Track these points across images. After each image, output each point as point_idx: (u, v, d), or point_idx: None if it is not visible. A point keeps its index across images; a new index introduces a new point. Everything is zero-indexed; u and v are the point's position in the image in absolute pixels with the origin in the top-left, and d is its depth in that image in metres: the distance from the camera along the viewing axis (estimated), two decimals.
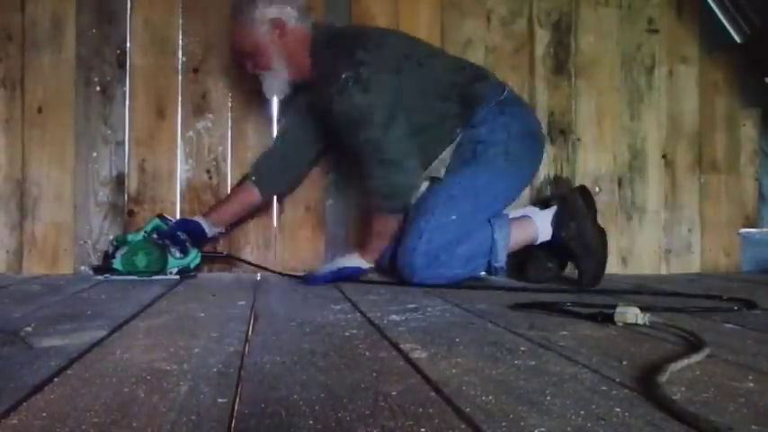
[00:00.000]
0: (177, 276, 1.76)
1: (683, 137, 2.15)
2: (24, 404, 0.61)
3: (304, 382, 0.70)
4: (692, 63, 2.15)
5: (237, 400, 0.63)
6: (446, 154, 1.76)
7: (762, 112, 2.19)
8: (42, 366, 0.75)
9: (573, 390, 0.67)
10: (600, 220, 2.08)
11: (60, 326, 1.03)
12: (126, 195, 1.94)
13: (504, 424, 0.56)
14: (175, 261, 1.77)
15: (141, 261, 1.74)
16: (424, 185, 1.79)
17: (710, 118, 2.16)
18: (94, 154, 1.93)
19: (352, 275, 1.71)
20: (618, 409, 0.60)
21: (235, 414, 0.59)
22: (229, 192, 1.93)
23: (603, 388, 0.68)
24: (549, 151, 2.09)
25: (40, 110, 1.91)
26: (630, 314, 1.05)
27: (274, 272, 1.90)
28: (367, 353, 0.85)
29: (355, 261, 1.74)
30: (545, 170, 2.08)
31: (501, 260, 1.70)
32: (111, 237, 1.84)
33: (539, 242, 1.75)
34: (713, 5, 2.15)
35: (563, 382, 0.70)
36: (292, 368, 0.76)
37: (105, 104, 1.94)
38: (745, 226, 2.18)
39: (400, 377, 0.73)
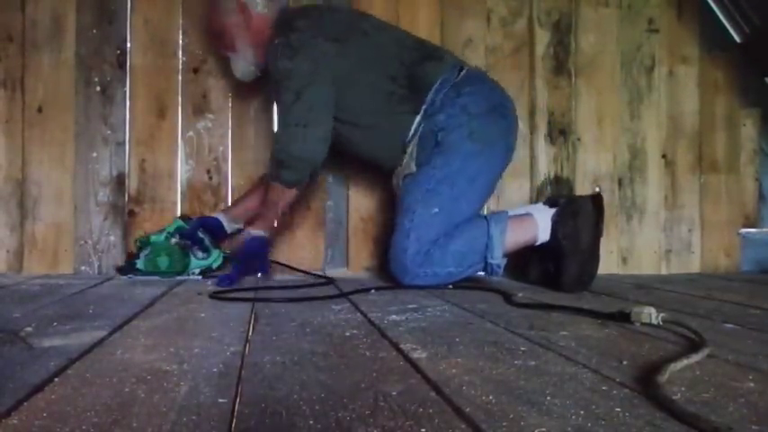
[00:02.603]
0: (200, 277, 1.77)
1: (683, 137, 2.15)
2: (25, 404, 0.61)
3: (304, 382, 0.70)
4: (692, 63, 2.15)
5: (238, 400, 0.63)
6: (412, 148, 1.68)
7: (762, 111, 2.19)
8: (42, 366, 0.75)
9: (573, 390, 0.67)
10: None
11: (61, 326, 1.03)
12: (126, 195, 1.94)
13: (504, 424, 0.56)
14: (198, 262, 1.78)
15: (163, 262, 1.75)
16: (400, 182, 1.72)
17: (710, 118, 2.16)
18: (95, 154, 1.93)
19: (257, 253, 1.65)
20: (618, 409, 0.61)
21: (235, 414, 0.59)
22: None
23: (603, 388, 0.68)
24: (549, 151, 2.09)
25: (40, 110, 1.91)
26: (645, 314, 1.05)
27: (304, 272, 1.87)
28: (367, 353, 0.85)
29: (253, 234, 1.66)
30: (545, 170, 2.08)
31: (497, 257, 1.62)
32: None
33: (539, 243, 1.67)
34: (713, 5, 2.15)
35: (563, 382, 0.70)
36: (292, 368, 0.76)
37: (105, 104, 1.94)
38: (745, 226, 2.18)
39: (400, 377, 0.73)
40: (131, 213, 1.92)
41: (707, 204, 2.16)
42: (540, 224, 1.67)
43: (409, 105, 1.67)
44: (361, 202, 2.01)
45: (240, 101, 1.98)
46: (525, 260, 1.78)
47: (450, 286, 1.60)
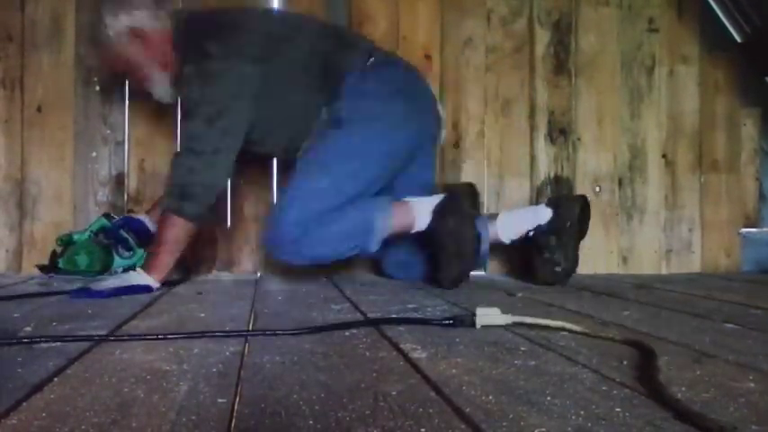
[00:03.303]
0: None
1: (683, 136, 2.15)
2: (24, 404, 0.61)
3: (304, 382, 0.70)
4: (693, 63, 2.15)
5: (237, 400, 0.63)
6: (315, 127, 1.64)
7: (762, 111, 2.19)
8: (42, 366, 0.75)
9: (573, 390, 0.67)
10: (600, 220, 2.09)
11: (60, 326, 1.03)
12: (126, 195, 1.93)
13: (504, 424, 0.56)
14: (121, 261, 1.76)
15: (83, 261, 1.73)
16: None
17: (711, 118, 2.16)
18: (94, 154, 1.93)
19: (137, 293, 1.44)
20: (618, 409, 0.60)
21: (235, 414, 0.59)
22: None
23: (603, 388, 0.68)
24: (549, 151, 2.09)
25: (39, 109, 1.91)
26: (491, 316, 1.03)
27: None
28: (367, 353, 0.85)
29: (144, 279, 1.49)
30: (545, 170, 2.08)
31: (376, 243, 1.56)
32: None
33: (416, 230, 1.62)
34: (713, 5, 2.15)
35: (563, 382, 0.70)
36: (292, 368, 0.76)
37: (105, 104, 1.94)
38: (745, 226, 2.18)
39: (400, 377, 0.73)
40: (131, 213, 1.92)
41: (707, 204, 2.16)
42: (418, 210, 1.61)
43: (317, 92, 1.63)
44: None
45: None
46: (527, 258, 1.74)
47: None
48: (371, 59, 1.65)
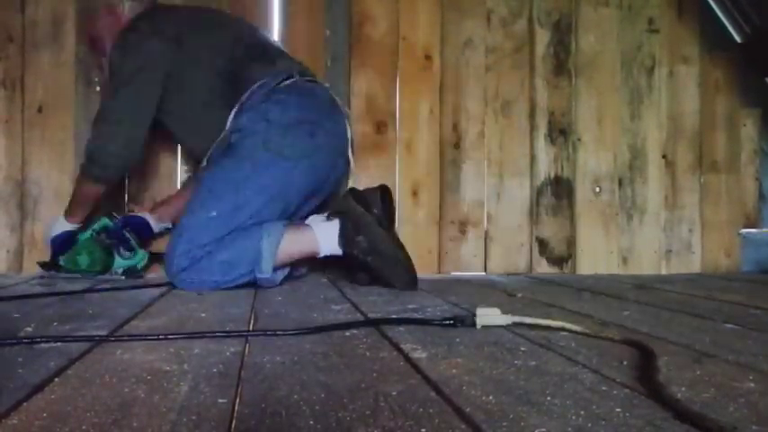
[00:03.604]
0: (123, 277, 1.74)
1: (683, 137, 2.15)
2: (25, 404, 0.61)
3: (304, 383, 0.70)
4: (693, 63, 2.15)
5: (238, 400, 0.63)
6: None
7: (762, 111, 2.19)
8: (42, 366, 0.75)
9: (573, 390, 0.67)
10: (600, 220, 2.10)
11: (61, 326, 1.03)
12: (126, 195, 1.93)
13: (504, 424, 0.56)
14: (123, 261, 1.75)
15: (84, 261, 1.73)
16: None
17: (711, 118, 2.16)
18: None
19: (64, 241, 1.73)
20: (618, 410, 0.60)
21: (235, 414, 0.59)
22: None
23: (603, 388, 0.68)
24: (549, 151, 2.09)
25: (40, 110, 1.91)
26: (491, 317, 1.03)
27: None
28: (367, 353, 0.85)
29: (61, 225, 1.74)
30: (545, 170, 2.08)
31: (266, 270, 1.52)
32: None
33: (323, 255, 1.60)
34: (713, 5, 2.15)
35: (563, 382, 0.70)
36: (292, 368, 0.76)
37: None
38: (745, 226, 2.18)
39: (400, 377, 0.73)
40: (131, 212, 1.92)
41: (707, 204, 2.16)
42: (320, 237, 1.58)
43: (225, 100, 1.62)
44: None
45: None
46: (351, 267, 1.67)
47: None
48: (289, 80, 1.62)
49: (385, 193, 1.62)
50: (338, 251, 1.59)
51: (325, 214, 1.65)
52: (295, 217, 1.67)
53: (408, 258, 1.58)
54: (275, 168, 1.57)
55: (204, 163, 1.67)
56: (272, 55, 1.70)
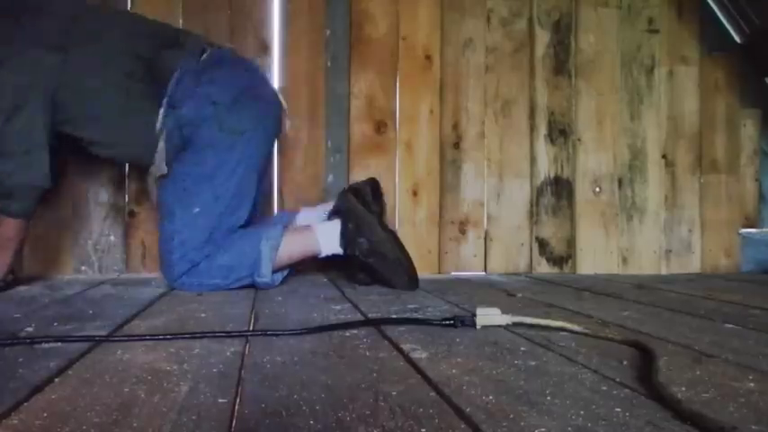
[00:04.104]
0: None
1: (683, 137, 2.16)
2: (25, 404, 0.61)
3: (304, 382, 0.70)
4: (692, 63, 2.15)
5: (238, 400, 0.63)
6: (161, 145, 1.55)
7: (762, 112, 2.19)
8: (43, 366, 0.75)
9: (573, 390, 0.67)
10: (600, 220, 2.10)
11: (61, 326, 1.03)
12: (126, 195, 1.93)
13: (504, 424, 0.56)
14: None
15: None
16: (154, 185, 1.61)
17: (710, 118, 2.16)
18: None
19: None
20: (618, 409, 0.61)
21: (235, 414, 0.59)
22: None
23: (603, 388, 0.68)
24: (549, 151, 2.09)
25: None
26: (491, 316, 1.03)
27: None
28: (367, 353, 0.85)
29: None
30: (545, 170, 2.08)
31: (265, 274, 1.53)
32: (112, 237, 1.81)
33: (324, 255, 1.60)
34: (713, 5, 2.15)
35: (563, 382, 0.70)
36: (293, 368, 0.76)
37: None
38: (745, 226, 2.18)
39: (400, 377, 0.73)
40: (132, 213, 1.92)
41: (707, 204, 2.16)
42: (321, 237, 1.59)
43: (148, 99, 1.53)
44: None
45: None
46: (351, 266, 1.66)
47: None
48: (204, 56, 1.58)
49: (375, 186, 1.63)
50: (339, 251, 1.60)
51: (326, 213, 1.66)
52: (261, 183, 1.68)
53: (409, 260, 1.59)
54: (238, 146, 1.57)
55: (163, 168, 1.57)
56: (176, 36, 1.63)
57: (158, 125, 1.54)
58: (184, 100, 1.53)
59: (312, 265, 1.78)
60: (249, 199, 1.61)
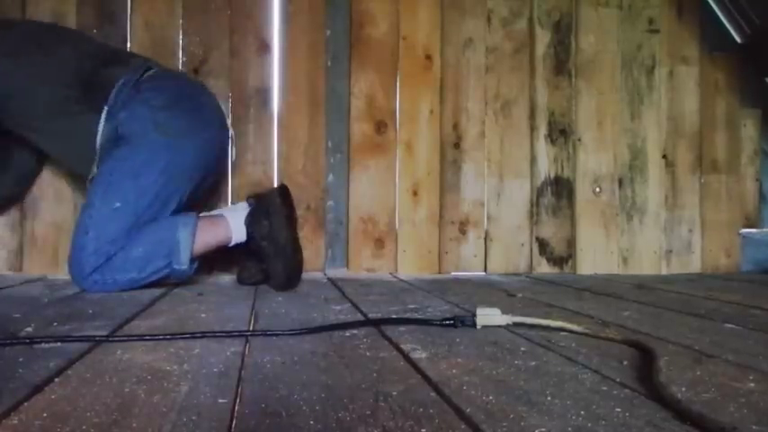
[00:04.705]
0: None
1: (683, 137, 2.16)
2: (25, 404, 0.61)
3: (304, 382, 0.70)
4: (693, 63, 2.15)
5: (238, 400, 0.63)
6: (99, 151, 1.57)
7: (762, 112, 2.19)
8: (43, 366, 0.75)
9: (573, 390, 0.67)
10: (600, 220, 2.10)
11: (61, 326, 1.03)
12: None
13: (504, 424, 0.56)
14: None
15: None
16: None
17: (711, 118, 2.16)
18: None
19: None
20: (618, 410, 0.60)
21: (235, 414, 0.59)
22: None
23: (604, 388, 0.68)
24: (549, 151, 2.09)
25: None
26: (491, 317, 1.03)
27: None
28: (367, 353, 0.85)
29: None
30: (545, 170, 2.08)
31: (183, 262, 1.52)
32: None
33: (233, 243, 1.61)
34: (713, 5, 2.15)
35: (563, 382, 0.70)
36: (293, 368, 0.76)
37: None
38: (745, 226, 2.18)
39: (400, 377, 0.73)
40: None
41: (707, 205, 2.16)
42: (233, 224, 1.60)
43: (87, 105, 1.56)
44: (361, 202, 2.00)
45: (240, 101, 1.98)
46: (241, 262, 1.69)
47: None
48: (148, 73, 1.61)
49: (284, 192, 1.64)
50: (243, 237, 1.59)
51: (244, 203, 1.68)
52: (195, 197, 1.68)
53: (297, 260, 1.59)
54: (170, 148, 1.56)
55: (94, 170, 1.57)
56: (123, 56, 1.69)
57: (99, 132, 1.56)
58: (124, 106, 1.55)
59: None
60: (171, 206, 1.58)
